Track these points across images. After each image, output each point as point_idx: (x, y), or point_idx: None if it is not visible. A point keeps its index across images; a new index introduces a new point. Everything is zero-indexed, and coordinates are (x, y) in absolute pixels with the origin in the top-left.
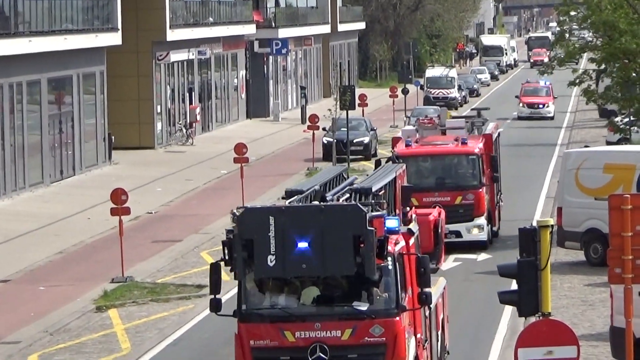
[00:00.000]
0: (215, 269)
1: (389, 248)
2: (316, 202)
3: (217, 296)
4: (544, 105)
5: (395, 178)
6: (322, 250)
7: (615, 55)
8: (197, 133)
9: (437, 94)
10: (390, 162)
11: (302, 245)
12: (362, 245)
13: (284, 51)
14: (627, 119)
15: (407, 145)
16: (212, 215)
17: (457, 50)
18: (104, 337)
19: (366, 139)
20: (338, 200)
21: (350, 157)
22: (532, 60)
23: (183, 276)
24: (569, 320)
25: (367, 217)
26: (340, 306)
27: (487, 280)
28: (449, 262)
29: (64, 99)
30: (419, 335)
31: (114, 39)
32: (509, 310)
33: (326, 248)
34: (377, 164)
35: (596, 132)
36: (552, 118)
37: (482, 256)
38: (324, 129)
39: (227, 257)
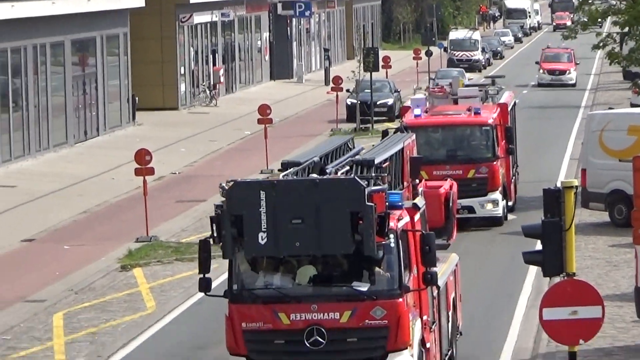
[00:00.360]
0: (204, 246)
1: (391, 224)
2: (313, 175)
3: (207, 275)
4: (565, 72)
5: (402, 149)
6: (317, 227)
7: (639, 19)
8: (221, 94)
9: (461, 56)
10: (399, 133)
11: (296, 221)
12: (360, 221)
13: (307, 14)
14: None
15: (416, 116)
16: (235, 176)
17: (481, 12)
18: (128, 295)
19: (390, 101)
20: (337, 172)
21: (374, 118)
22: (554, 24)
23: (207, 236)
24: (594, 280)
25: (366, 192)
26: (339, 286)
27: (512, 240)
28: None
29: (88, 61)
30: (425, 317)
31: (137, 1)
32: (533, 270)
33: (322, 225)
34: (385, 134)
35: (620, 94)
36: (574, 85)
37: (508, 217)
38: (347, 90)
39: (215, 234)
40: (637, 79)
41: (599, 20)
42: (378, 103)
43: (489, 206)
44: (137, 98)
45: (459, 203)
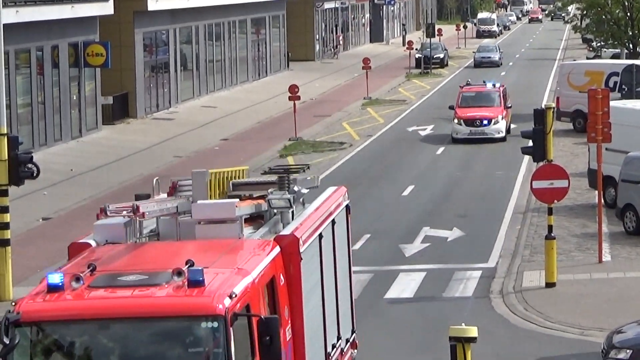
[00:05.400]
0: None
1: None
2: None
3: None
4: (489, 121)
5: None
6: None
7: (592, 6)
8: (340, 52)
9: (485, 29)
10: None
11: None
12: None
13: (392, 2)
14: (598, 44)
15: (36, 295)
16: (348, 101)
17: (496, 2)
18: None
19: (441, 55)
20: None
21: (432, 66)
22: (530, 17)
23: (332, 137)
24: (563, 164)
25: None
26: None
27: (517, 141)
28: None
29: (261, 30)
30: None
31: None
32: (526, 158)
33: None
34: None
35: (580, 51)
36: (502, 139)
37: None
38: (416, 49)
39: None
40: (590, 42)
41: (569, 6)
42: (434, 57)
43: None
44: (290, 53)
45: None
